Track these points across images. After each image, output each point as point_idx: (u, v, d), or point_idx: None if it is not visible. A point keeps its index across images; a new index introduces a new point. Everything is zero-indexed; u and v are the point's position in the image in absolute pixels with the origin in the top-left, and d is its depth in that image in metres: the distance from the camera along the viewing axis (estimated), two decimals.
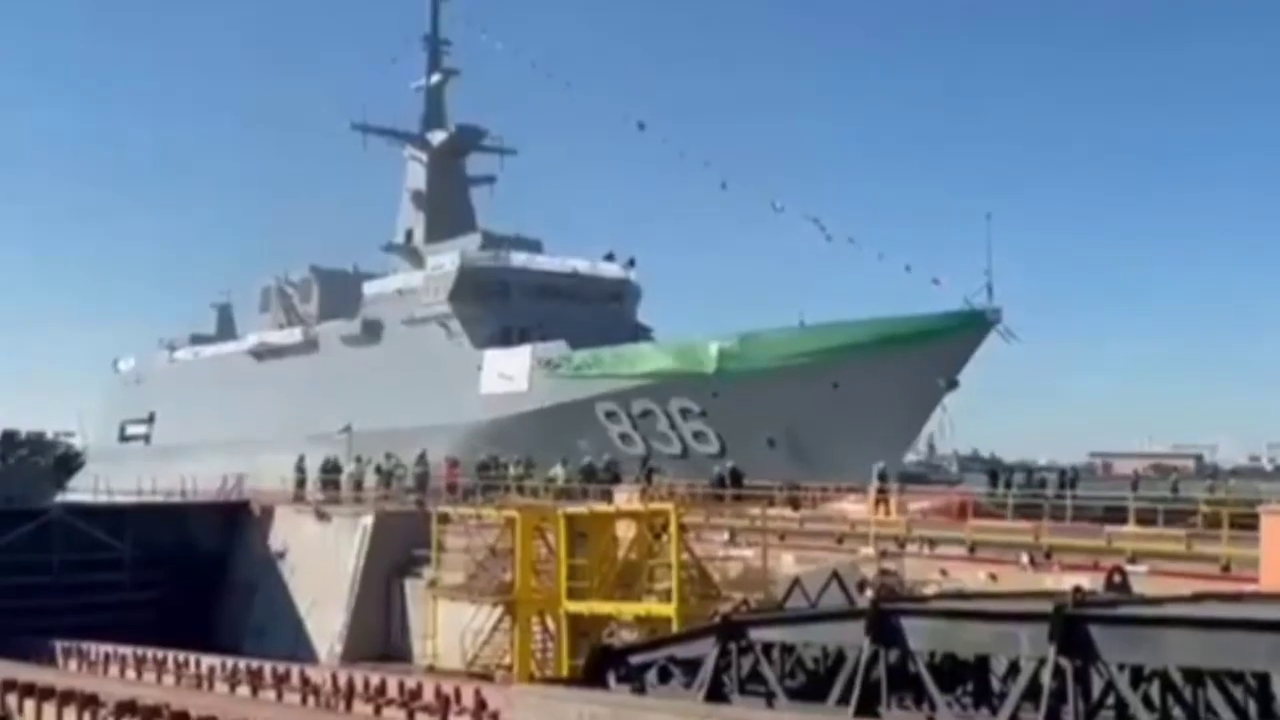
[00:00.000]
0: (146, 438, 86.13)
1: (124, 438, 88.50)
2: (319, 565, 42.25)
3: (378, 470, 47.35)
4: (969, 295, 43.40)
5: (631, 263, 66.08)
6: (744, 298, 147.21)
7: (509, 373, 56.81)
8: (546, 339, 56.92)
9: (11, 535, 42.93)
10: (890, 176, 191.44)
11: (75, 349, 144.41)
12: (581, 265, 64.78)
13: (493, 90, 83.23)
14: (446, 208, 73.17)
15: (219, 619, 44.83)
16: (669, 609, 27.37)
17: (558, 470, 42.49)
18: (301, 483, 48.39)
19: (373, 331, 67.23)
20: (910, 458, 54.31)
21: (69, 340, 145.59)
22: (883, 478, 37.12)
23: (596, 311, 62.47)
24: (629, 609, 28.77)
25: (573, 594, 29.79)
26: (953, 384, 44.66)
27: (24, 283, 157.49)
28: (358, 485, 46.42)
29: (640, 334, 62.50)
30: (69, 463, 58.43)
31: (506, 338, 59.47)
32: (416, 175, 75.48)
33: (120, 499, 52.08)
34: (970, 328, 44.04)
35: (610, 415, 52.10)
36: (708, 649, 13.90)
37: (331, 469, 47.78)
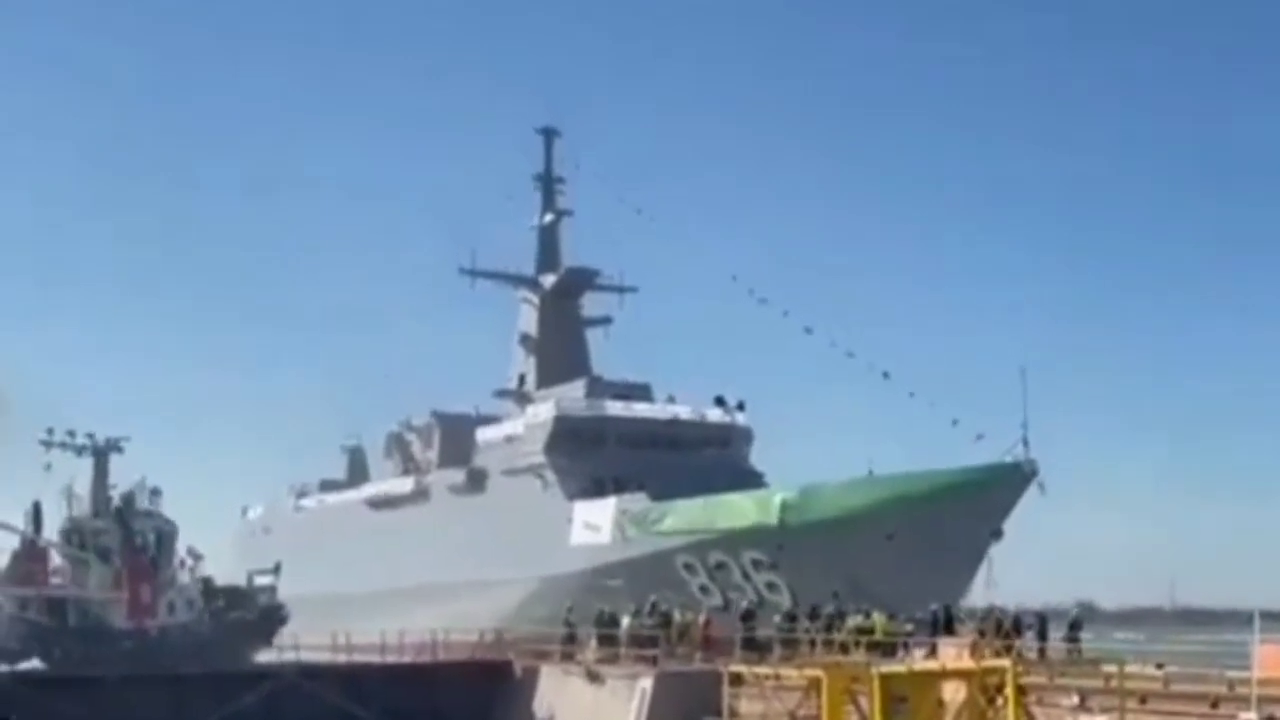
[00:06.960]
0: (274, 589, 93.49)
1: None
2: None
3: (659, 620, 44.70)
4: (1009, 448, 48.27)
5: (741, 406, 69.93)
6: (845, 442, 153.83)
7: (595, 524, 61.56)
8: (643, 488, 61.08)
9: (239, 702, 41.62)
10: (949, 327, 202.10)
11: (208, 493, 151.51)
12: (683, 411, 69.11)
13: (607, 230, 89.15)
14: (559, 350, 77.89)
15: None
16: None
17: (877, 619, 40.76)
18: (571, 637, 46.57)
19: (477, 481, 72.67)
20: None
21: (203, 485, 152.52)
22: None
23: (701, 458, 66.91)
24: None
25: None
26: (997, 534, 48.56)
27: (160, 428, 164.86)
28: (636, 641, 43.54)
29: (751, 479, 65.74)
30: (273, 616, 59.76)
31: (600, 488, 64.04)
32: (528, 318, 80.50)
33: (360, 657, 51.84)
34: (1010, 480, 48.77)
35: (688, 567, 56.23)
36: None
37: (607, 621, 45.46)
